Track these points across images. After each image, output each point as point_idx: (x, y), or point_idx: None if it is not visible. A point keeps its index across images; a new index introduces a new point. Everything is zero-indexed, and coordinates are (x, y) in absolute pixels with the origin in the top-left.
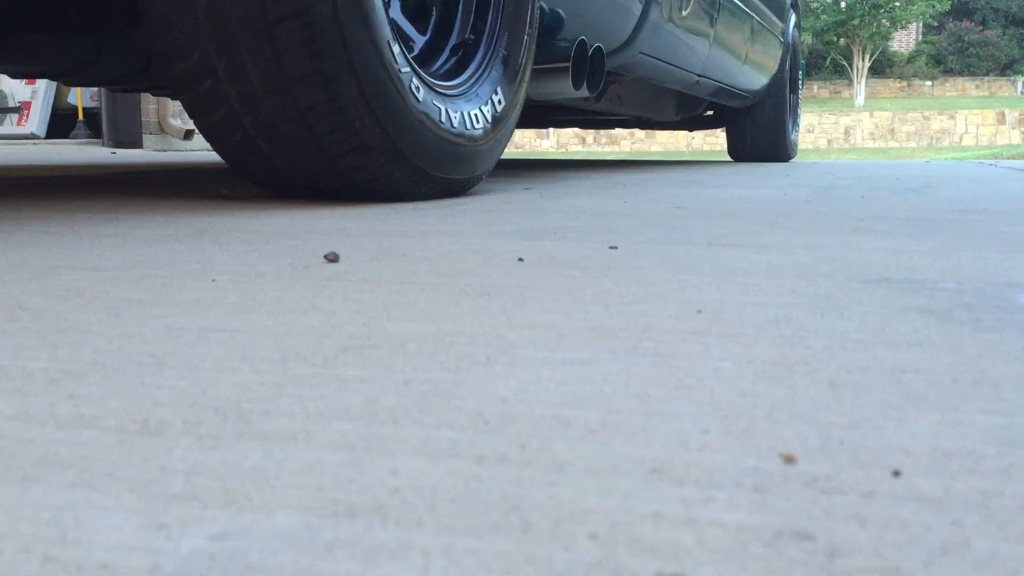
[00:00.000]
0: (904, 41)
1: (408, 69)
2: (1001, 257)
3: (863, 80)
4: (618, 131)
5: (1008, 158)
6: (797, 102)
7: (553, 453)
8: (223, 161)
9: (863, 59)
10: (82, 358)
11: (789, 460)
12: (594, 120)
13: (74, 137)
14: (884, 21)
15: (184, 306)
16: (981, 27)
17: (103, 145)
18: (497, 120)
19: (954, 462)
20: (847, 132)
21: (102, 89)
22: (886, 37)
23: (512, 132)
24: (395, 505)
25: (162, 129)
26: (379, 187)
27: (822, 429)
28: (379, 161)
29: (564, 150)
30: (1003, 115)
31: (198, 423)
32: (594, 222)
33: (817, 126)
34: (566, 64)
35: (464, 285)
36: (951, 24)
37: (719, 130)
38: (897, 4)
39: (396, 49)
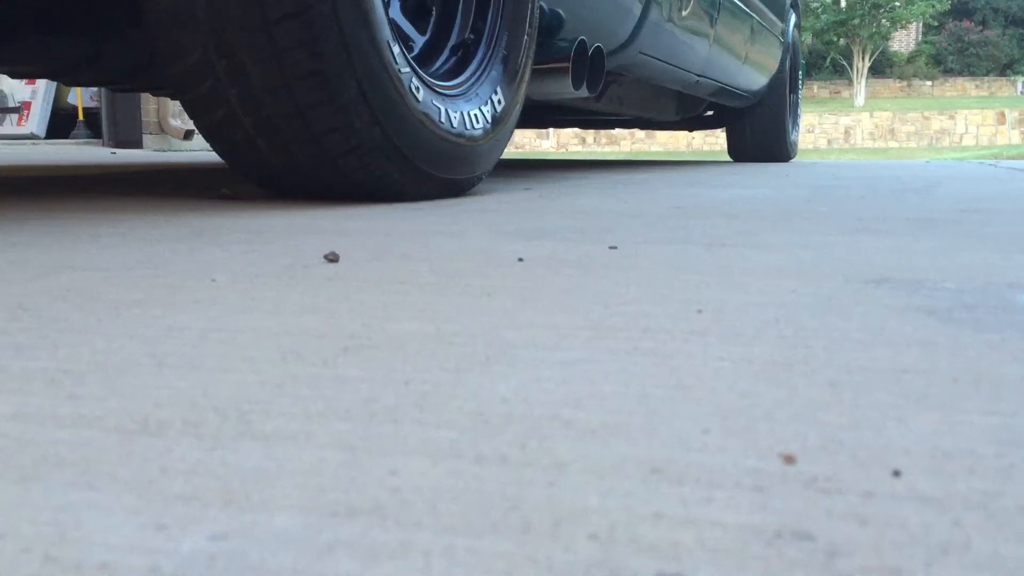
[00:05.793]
0: (904, 41)
1: (408, 69)
2: (1001, 257)
3: (863, 80)
4: (618, 131)
5: (1008, 158)
6: (797, 102)
7: (553, 453)
8: (223, 161)
9: (863, 59)
10: (82, 358)
11: (789, 460)
12: (594, 120)
13: (74, 137)
14: (884, 21)
15: (184, 306)
16: (981, 27)
17: (103, 145)
18: (497, 120)
19: (954, 462)
20: (847, 132)
21: (102, 89)
22: (886, 37)
23: (512, 132)
24: (395, 505)
25: (162, 129)
26: (379, 187)
27: (822, 429)
28: (379, 161)
29: (564, 150)
30: (1003, 115)
31: (198, 423)
32: (594, 222)
33: (817, 126)
34: (566, 64)
35: (464, 285)
36: (951, 24)
37: (719, 130)
38: (897, 4)
39: (396, 49)
